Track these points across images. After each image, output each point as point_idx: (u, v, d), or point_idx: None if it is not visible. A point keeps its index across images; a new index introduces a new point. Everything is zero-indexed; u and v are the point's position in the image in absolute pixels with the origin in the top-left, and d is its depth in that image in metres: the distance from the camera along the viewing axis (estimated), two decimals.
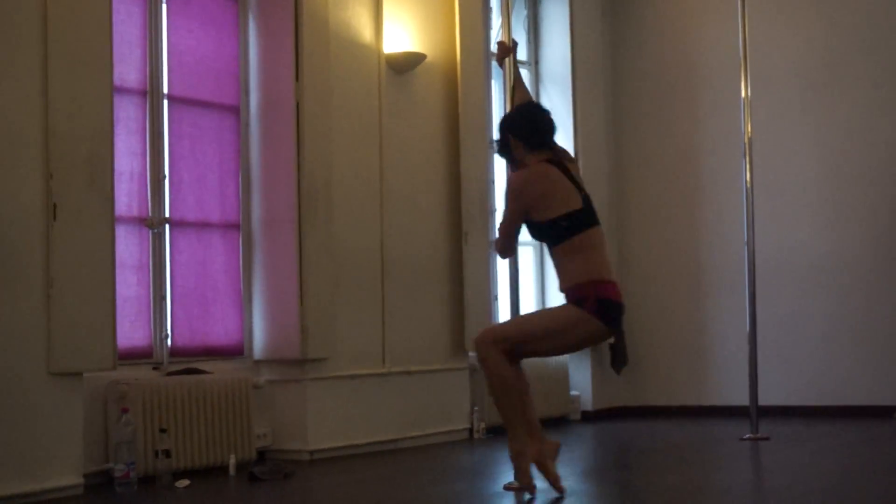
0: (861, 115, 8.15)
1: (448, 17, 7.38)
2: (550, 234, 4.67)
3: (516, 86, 5.28)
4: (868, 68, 8.14)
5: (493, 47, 7.78)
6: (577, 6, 8.57)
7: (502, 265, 7.45)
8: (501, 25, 5.29)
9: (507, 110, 5.15)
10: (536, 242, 8.49)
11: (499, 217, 4.92)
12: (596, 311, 4.55)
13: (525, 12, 8.62)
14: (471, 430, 7.27)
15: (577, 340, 4.69)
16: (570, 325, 4.61)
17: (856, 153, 8.15)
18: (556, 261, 4.72)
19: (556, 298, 8.34)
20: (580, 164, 8.36)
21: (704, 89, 8.76)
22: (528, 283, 8.41)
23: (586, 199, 4.71)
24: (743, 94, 6.92)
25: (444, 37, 7.39)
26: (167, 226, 5.94)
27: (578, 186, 4.71)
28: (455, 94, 7.39)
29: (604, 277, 4.62)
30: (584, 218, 4.66)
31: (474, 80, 7.50)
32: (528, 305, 8.28)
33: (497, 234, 4.88)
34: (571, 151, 8.38)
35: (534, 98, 5.17)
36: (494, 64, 7.95)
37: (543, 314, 5.05)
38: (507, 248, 4.88)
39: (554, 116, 4.89)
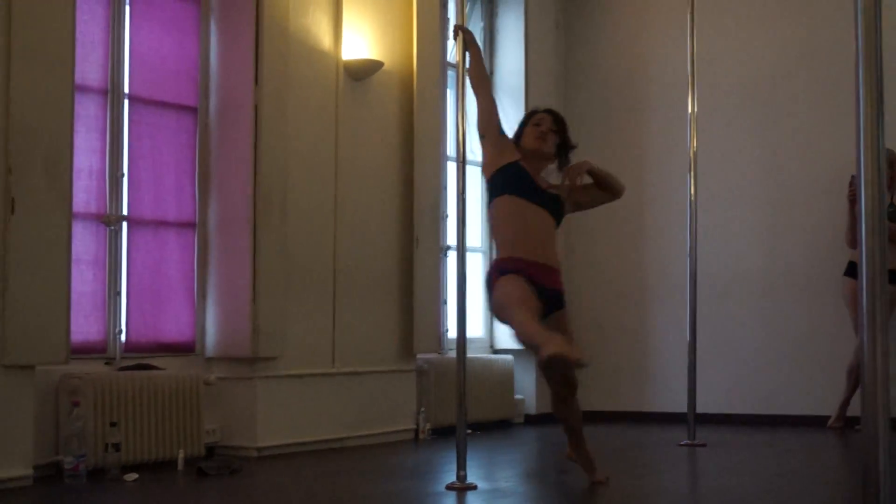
0: (803, 132, 8.38)
1: (406, 26, 7.51)
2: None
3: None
4: (810, 86, 8.38)
5: (451, 57, 7.94)
6: (531, 20, 8.74)
7: (451, 271, 7.59)
8: (457, 12, 5.43)
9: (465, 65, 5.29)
10: (486, 249, 8.64)
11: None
12: None
13: (482, 24, 8.78)
14: (416, 431, 7.41)
15: None
16: None
17: (798, 169, 8.38)
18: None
19: None
20: None
21: (653, 104, 8.96)
22: (476, 288, 8.54)
23: None
24: (690, 109, 7.10)
25: (402, 46, 7.52)
26: (124, 223, 6.02)
27: None
28: (411, 102, 7.52)
29: None
30: None
31: (430, 88, 7.64)
32: (475, 310, 8.43)
33: None
34: None
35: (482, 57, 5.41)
36: (450, 74, 8.10)
37: None
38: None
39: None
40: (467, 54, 5.27)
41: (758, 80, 8.57)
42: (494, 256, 4.97)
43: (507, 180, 4.99)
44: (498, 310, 4.81)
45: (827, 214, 8.19)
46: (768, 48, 8.57)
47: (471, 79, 5.27)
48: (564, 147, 5.18)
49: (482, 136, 5.23)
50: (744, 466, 5.97)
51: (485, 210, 8.66)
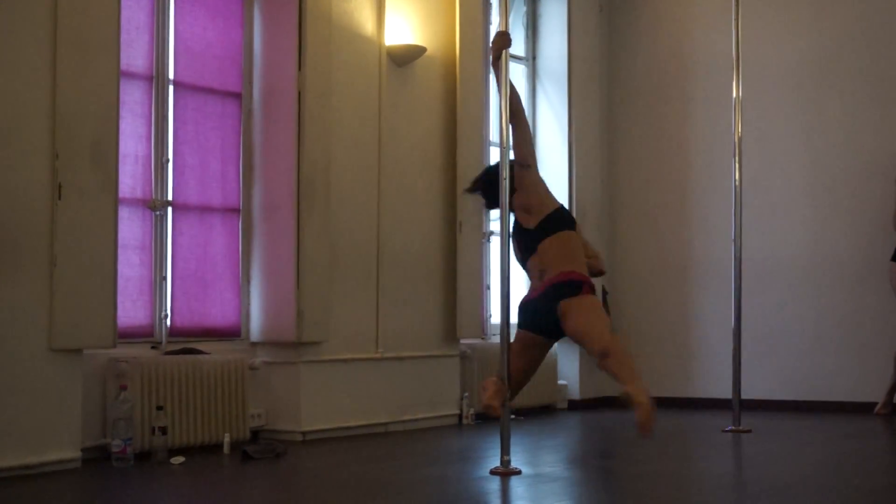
0: (848, 117, 8.28)
1: (448, 11, 7.50)
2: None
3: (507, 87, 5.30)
4: (856, 71, 8.28)
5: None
6: (574, 4, 8.69)
7: (495, 255, 7.58)
8: (500, 17, 5.37)
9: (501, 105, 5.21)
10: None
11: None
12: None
13: (524, 8, 8.74)
14: (460, 416, 7.41)
15: None
16: None
17: (842, 154, 8.29)
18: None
19: None
20: (574, 159, 8.54)
21: (697, 89, 8.89)
22: (520, 273, 8.52)
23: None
24: (734, 94, 7.04)
25: (445, 31, 7.50)
26: (169, 208, 6.07)
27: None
28: (453, 87, 7.50)
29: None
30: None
31: (473, 73, 7.62)
32: (518, 295, 8.39)
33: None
34: (566, 147, 8.58)
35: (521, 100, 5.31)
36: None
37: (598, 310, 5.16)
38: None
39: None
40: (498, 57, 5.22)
41: (803, 65, 8.47)
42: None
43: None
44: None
45: (874, 199, 8.10)
46: (814, 32, 8.47)
47: (511, 105, 5.14)
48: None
49: (528, 166, 5.16)
50: (789, 453, 5.93)
51: None
